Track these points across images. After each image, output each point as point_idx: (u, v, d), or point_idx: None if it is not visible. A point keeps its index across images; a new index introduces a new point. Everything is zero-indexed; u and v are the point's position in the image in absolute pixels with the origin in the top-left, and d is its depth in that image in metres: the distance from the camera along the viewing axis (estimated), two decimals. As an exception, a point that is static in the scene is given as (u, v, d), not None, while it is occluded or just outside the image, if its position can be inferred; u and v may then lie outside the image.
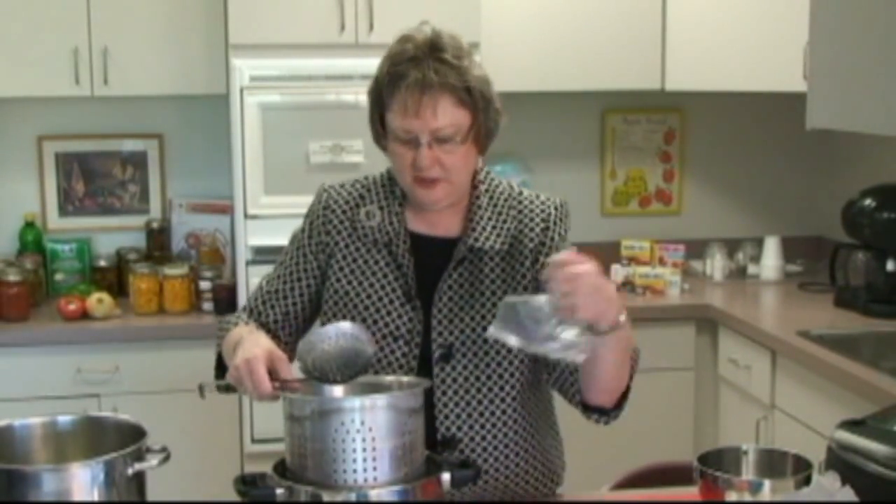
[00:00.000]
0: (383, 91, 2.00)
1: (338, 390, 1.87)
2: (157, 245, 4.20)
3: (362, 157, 3.57)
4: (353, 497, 1.69)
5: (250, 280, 3.64)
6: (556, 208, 2.14)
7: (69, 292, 3.90)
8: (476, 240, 2.05)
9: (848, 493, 1.69)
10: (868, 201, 3.63)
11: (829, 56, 3.33)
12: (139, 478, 1.79)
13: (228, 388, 1.91)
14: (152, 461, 1.80)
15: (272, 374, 1.82)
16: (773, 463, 1.89)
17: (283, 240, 2.24)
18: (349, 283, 2.06)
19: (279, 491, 1.71)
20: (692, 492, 1.87)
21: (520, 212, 2.10)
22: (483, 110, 2.01)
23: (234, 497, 1.75)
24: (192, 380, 2.17)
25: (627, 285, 4.11)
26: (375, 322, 2.04)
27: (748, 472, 1.89)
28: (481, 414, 2.03)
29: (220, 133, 4.08)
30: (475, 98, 1.99)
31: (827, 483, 1.72)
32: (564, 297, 1.75)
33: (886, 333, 3.43)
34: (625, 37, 4.09)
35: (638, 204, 4.58)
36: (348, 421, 1.69)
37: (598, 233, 4.49)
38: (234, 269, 3.92)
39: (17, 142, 4.18)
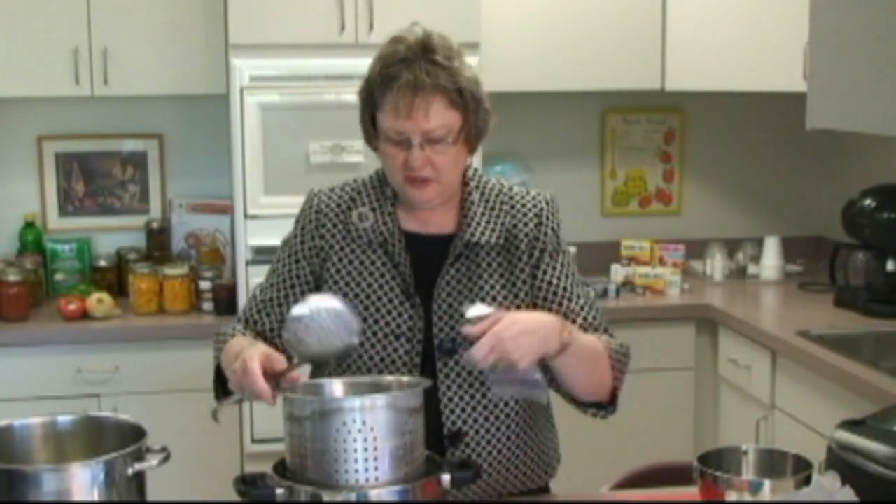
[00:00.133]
0: (375, 92, 2.01)
1: (338, 390, 1.87)
2: (157, 245, 4.20)
3: (362, 157, 3.57)
4: (353, 497, 1.69)
5: (250, 280, 3.64)
6: (546, 203, 2.16)
7: (69, 292, 3.90)
8: (472, 234, 2.07)
9: (848, 493, 1.69)
10: (868, 201, 3.63)
11: (829, 56, 3.33)
12: (139, 478, 1.79)
13: (240, 401, 1.91)
14: (152, 461, 1.80)
15: (269, 373, 1.82)
16: (773, 463, 1.89)
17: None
18: (347, 284, 2.07)
19: (279, 491, 1.71)
20: (692, 492, 1.87)
21: (512, 207, 2.12)
22: (474, 111, 2.03)
23: (234, 497, 1.75)
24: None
25: (627, 285, 4.11)
26: (376, 321, 2.04)
27: (748, 472, 1.89)
28: (485, 407, 2.05)
29: (220, 133, 4.08)
30: (466, 99, 2.00)
31: (827, 483, 1.72)
32: (499, 360, 1.81)
33: (886, 333, 3.43)
34: (625, 37, 4.09)
35: (638, 204, 4.58)
36: (349, 421, 1.69)
37: (598, 233, 4.49)
38: (234, 269, 3.93)
39: (17, 142, 4.18)
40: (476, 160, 3.76)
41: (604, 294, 4.00)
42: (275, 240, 2.27)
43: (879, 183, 3.72)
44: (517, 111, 4.41)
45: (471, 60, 3.84)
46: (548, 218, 2.13)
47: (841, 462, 1.78)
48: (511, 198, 2.14)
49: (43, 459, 1.87)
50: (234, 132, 3.68)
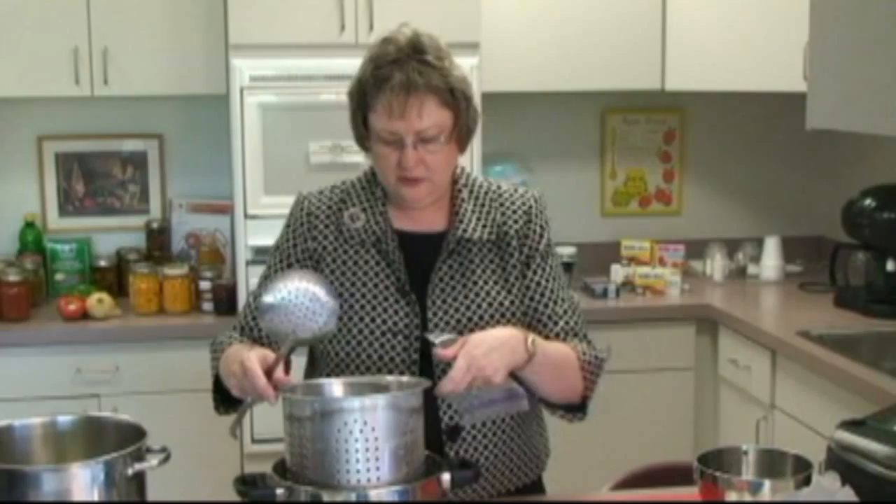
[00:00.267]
0: (367, 93, 2.02)
1: (338, 390, 1.87)
2: (157, 245, 4.20)
3: (362, 157, 3.54)
4: (353, 497, 1.69)
5: (250, 280, 3.64)
6: (535, 200, 2.19)
7: (69, 292, 3.90)
8: (464, 231, 2.09)
9: (848, 493, 1.69)
10: (868, 201, 3.63)
11: (829, 56, 3.33)
12: (139, 478, 1.79)
13: (251, 405, 1.91)
14: (152, 461, 1.80)
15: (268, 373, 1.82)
16: (773, 463, 1.89)
17: (283, 240, 2.24)
18: (342, 284, 2.07)
19: (279, 491, 1.71)
20: (692, 492, 1.87)
21: (501, 204, 2.15)
22: (465, 110, 2.05)
23: (234, 497, 1.75)
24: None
25: (627, 285, 4.11)
26: (373, 320, 2.05)
27: (748, 472, 1.89)
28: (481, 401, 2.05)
29: (220, 133, 4.07)
30: (458, 98, 2.03)
31: (827, 483, 1.72)
32: (474, 378, 1.84)
33: (886, 333, 3.43)
34: (625, 37, 4.09)
35: (638, 204, 4.58)
36: (351, 421, 1.69)
37: (598, 233, 4.49)
38: (234, 269, 3.93)
39: (17, 142, 4.18)
40: (476, 160, 3.78)
41: (604, 294, 4.00)
42: (275, 240, 2.27)
43: (879, 183, 3.72)
44: (517, 111, 4.41)
45: (471, 60, 3.89)
46: (536, 215, 2.16)
47: (841, 462, 1.78)
48: (500, 195, 2.17)
49: (43, 459, 1.87)
50: (234, 132, 3.68)
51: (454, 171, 2.14)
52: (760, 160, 4.60)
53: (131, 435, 1.83)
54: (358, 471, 1.69)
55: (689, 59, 4.07)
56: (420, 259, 2.09)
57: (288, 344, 1.86)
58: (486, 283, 2.09)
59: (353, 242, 2.10)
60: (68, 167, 4.20)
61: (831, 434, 1.85)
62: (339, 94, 3.65)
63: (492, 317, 2.07)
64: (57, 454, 1.88)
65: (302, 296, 1.87)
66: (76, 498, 1.70)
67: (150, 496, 1.84)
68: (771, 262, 4.24)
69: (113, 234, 4.23)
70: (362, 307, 2.06)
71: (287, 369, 1.86)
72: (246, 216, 3.70)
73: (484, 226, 2.11)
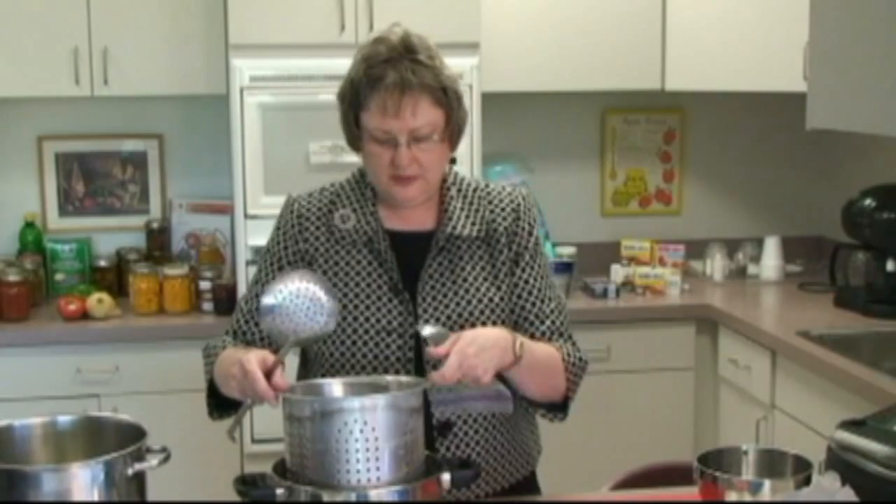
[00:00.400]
0: (360, 92, 2.03)
1: (338, 390, 1.87)
2: (157, 245, 4.20)
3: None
4: (353, 497, 1.69)
5: (250, 280, 3.63)
6: (522, 198, 2.21)
7: (69, 292, 3.90)
8: (454, 228, 2.11)
9: (848, 493, 1.69)
10: (868, 201, 3.63)
11: (829, 56, 3.33)
12: (139, 478, 1.79)
13: (250, 406, 1.91)
14: (152, 461, 1.80)
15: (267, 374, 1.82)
16: (773, 463, 1.89)
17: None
18: (335, 285, 2.08)
19: (279, 491, 1.71)
20: (692, 492, 1.87)
21: (490, 202, 2.17)
22: (456, 108, 2.07)
23: (234, 497, 1.75)
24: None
25: (627, 285, 4.11)
26: (367, 319, 2.06)
27: (748, 472, 1.89)
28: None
29: (220, 133, 4.08)
30: (450, 97, 2.05)
31: (827, 483, 1.72)
32: (464, 376, 1.84)
33: (886, 333, 3.43)
34: (625, 37, 4.09)
35: (638, 204, 4.58)
36: (351, 421, 1.69)
37: (598, 233, 4.49)
38: (234, 269, 3.93)
39: (17, 142, 4.18)
40: (476, 160, 3.78)
41: (604, 294, 4.00)
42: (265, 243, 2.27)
43: (879, 183, 3.72)
44: (517, 111, 4.41)
45: (471, 60, 3.89)
46: (525, 213, 2.18)
47: (841, 462, 1.78)
48: (488, 193, 2.18)
49: (43, 459, 1.87)
50: (234, 132, 3.68)
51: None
52: (760, 160, 4.60)
53: (131, 435, 1.83)
54: (358, 471, 1.70)
55: (689, 59, 4.07)
56: (411, 258, 2.10)
57: (289, 345, 1.86)
58: (475, 279, 2.10)
59: (345, 243, 2.11)
60: (68, 167, 4.20)
61: (831, 434, 1.85)
62: (339, 94, 3.70)
63: (482, 312, 2.08)
64: (57, 454, 1.88)
65: (303, 296, 1.87)
66: (76, 498, 1.70)
67: (150, 496, 1.84)
68: (771, 262, 4.24)
69: (113, 234, 4.23)
70: (356, 307, 2.07)
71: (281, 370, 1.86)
72: (246, 216, 3.70)
73: (473, 223, 2.13)
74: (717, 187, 4.60)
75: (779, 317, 3.89)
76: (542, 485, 2.29)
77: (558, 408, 2.14)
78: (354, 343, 2.05)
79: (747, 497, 1.77)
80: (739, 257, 4.36)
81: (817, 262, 4.37)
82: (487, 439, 2.09)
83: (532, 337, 2.11)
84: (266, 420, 3.58)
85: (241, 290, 3.70)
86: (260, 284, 2.16)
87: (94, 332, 3.72)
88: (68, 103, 4.10)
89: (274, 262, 2.16)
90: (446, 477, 1.76)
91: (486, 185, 2.21)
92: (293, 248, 2.14)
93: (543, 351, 2.07)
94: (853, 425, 1.85)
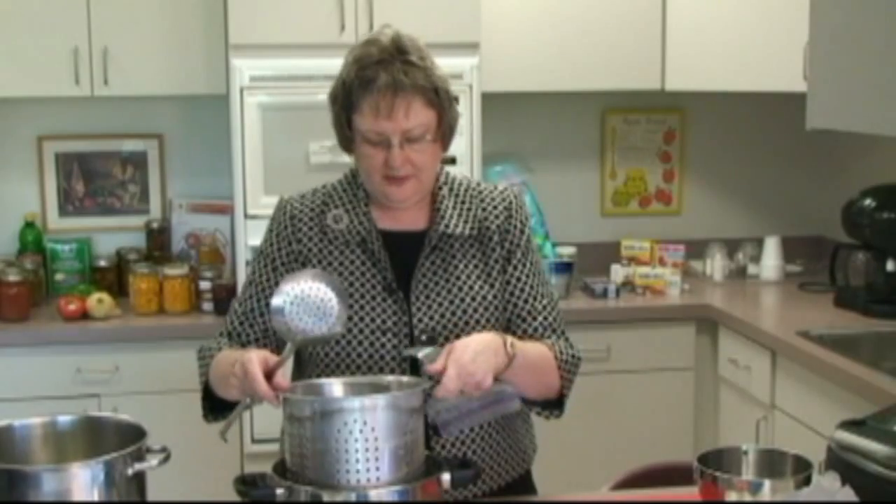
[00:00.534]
0: (352, 94, 2.04)
1: (338, 390, 1.87)
2: (157, 245, 4.20)
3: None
4: (353, 497, 1.69)
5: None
6: (514, 197, 2.21)
7: (69, 292, 3.90)
8: (446, 226, 2.11)
9: (848, 493, 1.69)
10: (868, 201, 3.63)
11: (829, 56, 3.33)
12: (139, 478, 1.79)
13: (248, 406, 1.90)
14: (152, 461, 1.80)
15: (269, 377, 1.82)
16: (773, 463, 1.89)
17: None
18: None
19: (279, 491, 1.71)
20: (692, 492, 1.87)
21: (482, 200, 2.18)
22: (448, 109, 2.08)
23: (234, 497, 1.75)
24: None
25: (627, 285, 4.11)
26: (362, 319, 2.07)
27: (748, 472, 1.89)
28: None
29: (220, 133, 4.07)
30: (442, 98, 2.05)
31: (827, 483, 1.72)
32: (465, 384, 1.83)
33: (886, 333, 3.43)
34: (625, 37, 4.09)
35: (638, 204, 4.58)
36: (351, 421, 1.69)
37: (598, 233, 4.49)
38: (234, 269, 3.93)
39: (17, 142, 4.18)
40: (476, 160, 3.78)
41: (604, 294, 4.00)
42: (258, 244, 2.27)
43: (879, 183, 3.72)
44: (517, 111, 4.41)
45: (471, 60, 3.89)
46: (517, 211, 2.19)
47: (841, 462, 1.78)
48: (480, 192, 2.19)
49: (43, 459, 1.87)
50: (234, 132, 3.68)
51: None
52: (760, 160, 4.60)
53: (131, 435, 1.83)
54: (358, 471, 1.70)
55: (689, 59, 4.07)
56: (404, 257, 2.11)
57: (295, 344, 1.86)
58: (468, 277, 2.11)
59: (338, 244, 2.12)
60: (68, 167, 4.20)
61: (831, 434, 1.85)
62: (339, 94, 3.69)
63: (475, 310, 2.09)
64: (57, 454, 1.88)
65: (315, 296, 1.86)
66: (76, 498, 1.70)
67: (150, 496, 1.84)
68: (771, 262, 4.24)
69: (113, 234, 4.23)
70: (350, 307, 2.06)
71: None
72: (246, 216, 3.70)
73: (465, 221, 2.13)
74: (717, 187, 4.60)
75: (779, 317, 3.89)
76: (544, 485, 2.29)
77: (553, 405, 2.14)
78: (349, 343, 2.06)
79: (747, 497, 1.77)
80: (739, 257, 4.36)
81: (817, 262, 4.37)
82: (483, 437, 2.10)
83: (525, 333, 2.12)
84: (266, 420, 3.58)
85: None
86: (254, 286, 2.16)
87: (94, 332, 3.72)
88: (68, 103, 4.10)
89: (267, 263, 2.16)
90: (446, 477, 1.76)
91: (478, 184, 2.22)
92: (286, 248, 2.14)
93: (535, 350, 2.07)
94: (853, 425, 1.85)
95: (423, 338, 2.06)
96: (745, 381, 3.66)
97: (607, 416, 3.91)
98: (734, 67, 3.95)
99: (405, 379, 1.91)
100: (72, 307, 3.76)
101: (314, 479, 1.71)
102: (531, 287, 2.15)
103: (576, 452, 3.82)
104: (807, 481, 1.77)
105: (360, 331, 2.06)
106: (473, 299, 2.09)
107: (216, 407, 2.10)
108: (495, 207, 2.17)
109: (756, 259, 4.30)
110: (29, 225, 4.11)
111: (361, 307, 2.07)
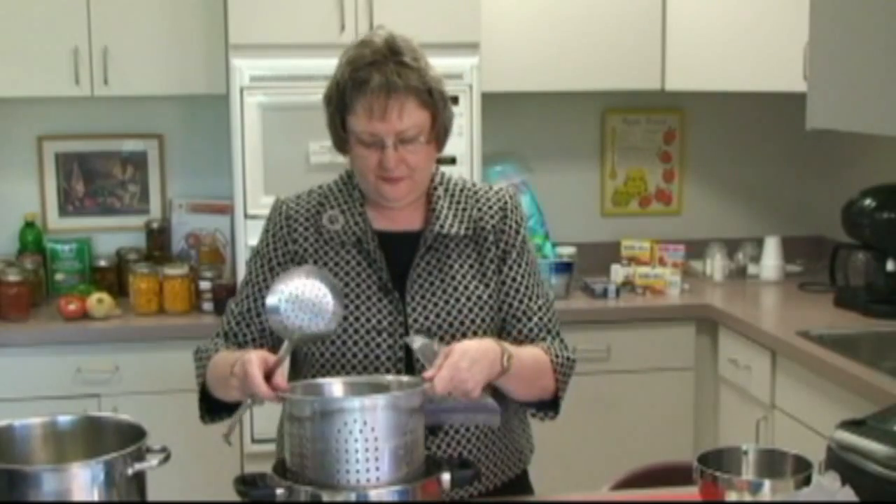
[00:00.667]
0: (346, 95, 2.04)
1: (338, 390, 1.87)
2: (157, 245, 4.20)
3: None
4: (353, 497, 1.69)
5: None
6: (510, 197, 2.22)
7: (69, 292, 3.90)
8: (441, 226, 2.12)
9: (848, 493, 1.69)
10: (868, 201, 3.63)
11: (829, 56, 3.33)
12: (139, 478, 1.79)
13: (251, 406, 1.90)
14: (152, 461, 1.80)
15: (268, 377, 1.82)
16: (773, 463, 1.89)
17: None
18: None
19: (279, 491, 1.71)
20: (692, 492, 1.87)
21: (477, 200, 2.18)
22: (442, 109, 2.08)
23: (234, 497, 1.75)
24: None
25: (627, 285, 4.11)
26: (357, 319, 2.07)
27: (748, 472, 1.89)
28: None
29: (220, 133, 4.08)
30: (435, 99, 2.05)
31: (827, 483, 1.72)
32: (455, 389, 1.83)
33: (886, 333, 3.43)
34: (625, 37, 4.09)
35: (638, 204, 4.58)
36: (350, 421, 1.69)
37: (598, 233, 4.49)
38: (234, 269, 3.93)
39: (17, 142, 4.18)
40: (476, 160, 3.78)
41: (604, 294, 4.00)
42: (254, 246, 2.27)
43: (879, 183, 3.72)
44: (517, 111, 4.41)
45: (471, 60, 3.88)
46: (512, 211, 2.19)
47: (841, 462, 1.78)
48: (475, 192, 2.20)
49: (43, 459, 1.87)
50: (234, 132, 3.68)
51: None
52: (760, 160, 4.60)
53: (131, 435, 1.83)
54: (357, 471, 1.70)
55: (689, 59, 4.07)
56: (399, 257, 2.11)
57: (292, 342, 1.86)
58: (463, 277, 2.11)
59: (334, 244, 2.12)
60: (68, 167, 4.20)
61: (831, 434, 1.85)
62: (339, 94, 3.69)
63: (470, 310, 2.09)
64: (57, 454, 1.88)
65: (310, 292, 1.86)
66: (76, 498, 1.70)
67: (150, 496, 1.84)
68: (771, 262, 4.24)
69: (113, 234, 4.23)
70: (346, 307, 2.06)
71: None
72: (246, 216, 3.70)
73: (460, 221, 2.14)
74: (717, 187, 4.60)
75: (779, 317, 3.89)
76: (544, 485, 2.29)
77: (548, 406, 2.14)
78: (344, 343, 2.06)
79: (747, 497, 1.77)
80: (739, 257, 4.36)
81: (817, 262, 4.37)
82: (479, 437, 2.10)
83: (520, 333, 2.12)
84: (266, 420, 3.58)
85: (241, 290, 3.70)
86: (250, 286, 2.17)
87: (94, 332, 3.72)
88: (68, 103, 4.10)
89: (264, 263, 2.16)
90: (446, 477, 1.76)
91: (474, 185, 2.22)
92: (283, 249, 2.14)
93: (531, 356, 2.06)
94: (853, 425, 1.85)
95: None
96: (745, 381, 3.66)
97: (607, 416, 3.91)
98: (734, 67, 3.95)
99: (405, 379, 1.91)
100: (72, 307, 3.76)
101: (314, 479, 1.71)
102: (526, 287, 2.15)
103: (576, 452, 3.82)
104: (807, 481, 1.77)
105: (356, 331, 2.06)
106: (468, 299, 2.10)
107: (213, 408, 2.10)
108: (490, 208, 2.17)
109: (756, 259, 4.30)
110: (29, 225, 4.11)
111: (357, 307, 2.07)
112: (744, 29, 3.92)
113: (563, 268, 4.02)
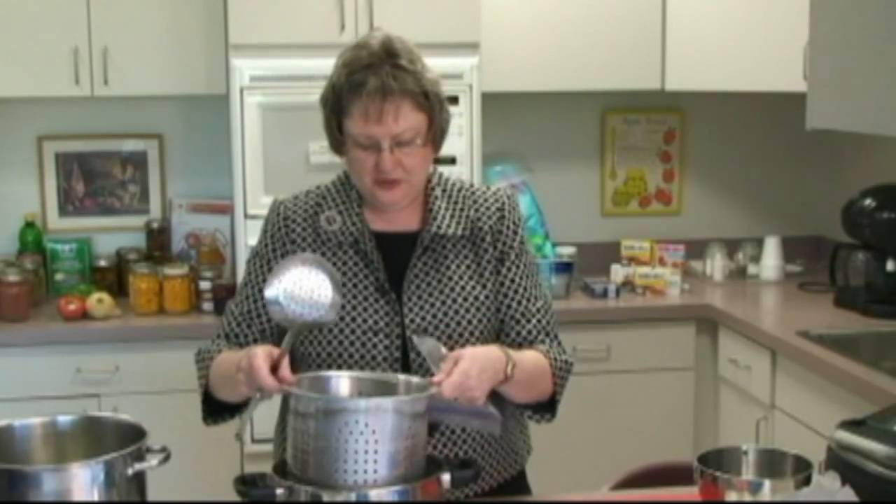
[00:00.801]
0: (342, 98, 2.04)
1: (345, 386, 1.88)
2: (157, 245, 4.20)
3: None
4: (353, 497, 1.69)
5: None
6: (507, 198, 2.22)
7: (69, 292, 3.90)
8: (438, 227, 2.12)
9: (848, 493, 1.69)
10: (868, 201, 3.63)
11: (829, 56, 3.33)
12: (139, 478, 1.79)
13: (261, 400, 1.90)
14: (152, 461, 1.80)
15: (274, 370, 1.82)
16: (773, 463, 1.89)
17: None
18: None
19: (279, 491, 1.71)
20: (692, 492, 1.87)
21: (474, 201, 2.18)
22: (438, 112, 2.07)
23: (234, 497, 1.75)
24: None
25: (627, 285, 4.10)
26: (354, 319, 2.07)
27: (748, 472, 1.89)
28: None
29: (220, 133, 4.07)
30: (431, 101, 2.05)
31: (827, 483, 1.72)
32: (461, 395, 1.84)
33: (886, 333, 3.43)
34: (625, 37, 4.09)
35: (638, 204, 4.58)
36: (352, 422, 1.69)
37: (598, 233, 4.49)
38: (234, 269, 3.93)
39: (17, 142, 4.18)
40: (476, 160, 3.78)
41: (604, 294, 4.00)
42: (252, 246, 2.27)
43: (879, 183, 3.72)
44: (517, 111, 4.41)
45: (471, 60, 3.88)
46: (509, 212, 2.19)
47: (841, 462, 1.78)
48: (473, 193, 2.20)
49: (43, 459, 1.87)
50: (234, 132, 3.69)
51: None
52: (760, 160, 4.60)
53: (131, 435, 1.83)
54: (356, 471, 1.69)
55: (689, 59, 4.07)
56: (396, 258, 2.11)
57: (294, 331, 1.86)
58: (460, 277, 2.11)
59: (331, 245, 2.12)
60: (68, 167, 4.20)
61: (831, 434, 1.85)
62: (339, 94, 3.69)
63: (467, 311, 2.09)
64: (57, 454, 1.88)
65: (308, 277, 1.86)
66: (76, 498, 1.70)
67: (150, 496, 1.84)
68: (771, 262, 4.24)
69: (113, 234, 4.23)
70: (342, 307, 2.06)
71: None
72: (246, 216, 3.70)
73: (458, 222, 2.14)
74: (717, 187, 4.60)
75: (779, 317, 3.89)
76: (544, 485, 2.29)
77: (545, 408, 2.14)
78: (341, 343, 2.06)
79: (747, 497, 1.77)
80: (739, 257, 4.36)
81: (817, 262, 4.37)
82: (476, 438, 2.11)
83: (519, 335, 2.12)
84: (266, 420, 3.56)
85: (241, 290, 3.70)
86: (249, 287, 2.17)
87: (94, 332, 3.72)
88: (68, 103, 4.10)
89: (262, 264, 2.17)
90: (446, 477, 1.76)
91: (471, 186, 2.22)
92: (280, 249, 2.15)
93: (531, 362, 2.07)
94: (853, 425, 1.85)
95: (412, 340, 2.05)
96: (745, 381, 3.66)
97: (607, 416, 3.91)
98: (734, 67, 3.95)
99: (416, 380, 1.89)
100: (72, 307, 3.76)
101: (314, 476, 1.71)
102: (524, 289, 2.15)
103: (576, 452, 3.82)
104: (807, 481, 1.78)
105: (353, 331, 2.06)
106: (465, 300, 2.10)
107: (216, 410, 2.10)
108: (488, 208, 2.17)
109: (756, 259, 4.30)
110: (29, 225, 4.11)
111: (354, 308, 2.07)
112: (744, 29, 3.92)
113: (563, 268, 4.02)
